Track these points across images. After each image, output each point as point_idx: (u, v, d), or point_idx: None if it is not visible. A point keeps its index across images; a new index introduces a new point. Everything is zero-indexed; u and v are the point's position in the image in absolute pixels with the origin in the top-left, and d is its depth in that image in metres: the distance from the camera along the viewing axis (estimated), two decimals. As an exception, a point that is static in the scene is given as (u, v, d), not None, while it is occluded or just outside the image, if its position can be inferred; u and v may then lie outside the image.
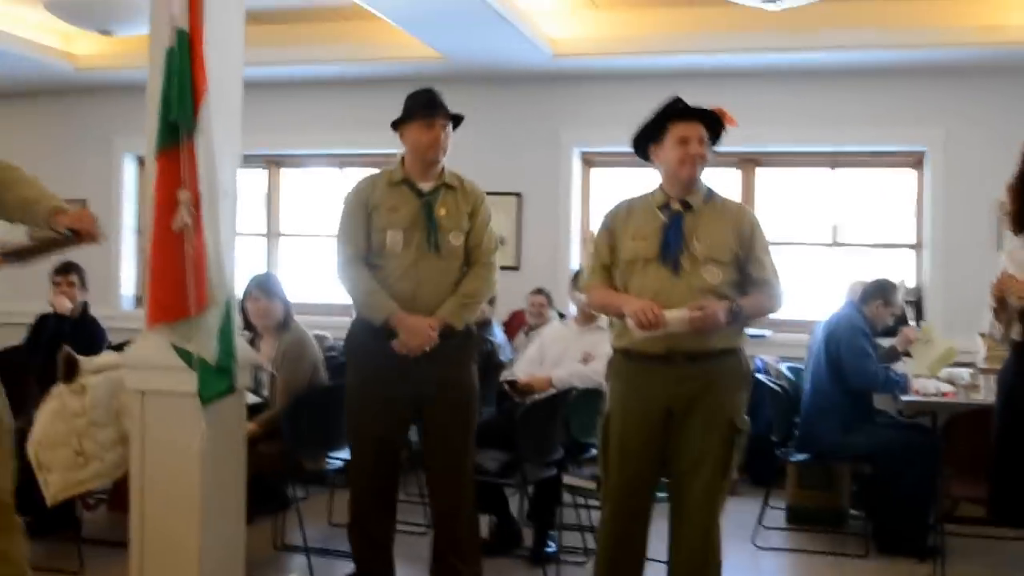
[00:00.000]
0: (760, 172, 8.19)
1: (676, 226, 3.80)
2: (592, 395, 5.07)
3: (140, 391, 4.04)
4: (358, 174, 7.97)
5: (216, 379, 3.87)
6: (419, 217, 4.15)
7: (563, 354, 5.55)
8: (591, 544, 5.02)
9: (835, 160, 8.04)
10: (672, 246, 3.77)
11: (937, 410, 5.74)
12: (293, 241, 9.12)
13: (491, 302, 6.90)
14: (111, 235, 8.57)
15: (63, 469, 4.33)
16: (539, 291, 6.97)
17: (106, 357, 4.72)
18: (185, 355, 3.82)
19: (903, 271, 7.78)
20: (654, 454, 3.82)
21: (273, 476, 5.07)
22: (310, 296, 8.22)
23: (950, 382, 5.96)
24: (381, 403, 4.16)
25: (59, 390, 4.46)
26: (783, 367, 7.12)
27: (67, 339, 5.41)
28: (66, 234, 3.05)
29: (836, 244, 8.04)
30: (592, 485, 4.62)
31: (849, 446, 5.64)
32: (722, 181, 7.90)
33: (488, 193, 7.92)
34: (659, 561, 4.03)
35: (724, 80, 7.70)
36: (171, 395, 3.94)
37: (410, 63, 7.80)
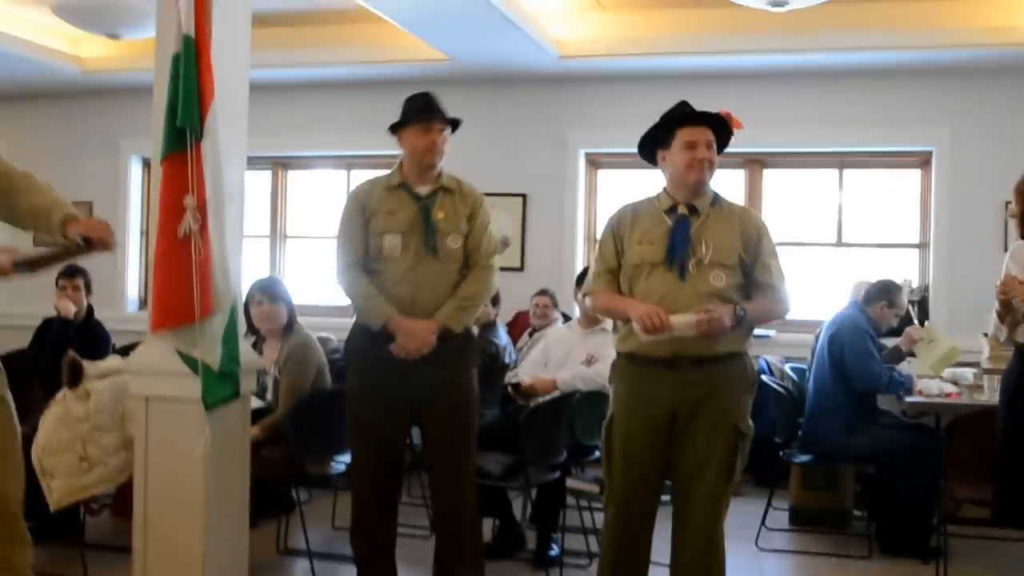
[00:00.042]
0: (766, 173, 8.17)
1: (683, 230, 3.79)
2: (596, 398, 5.07)
3: (144, 396, 4.05)
4: (364, 175, 8.00)
5: (220, 385, 3.89)
6: (417, 221, 4.15)
7: (567, 356, 5.54)
8: (594, 547, 5.03)
9: (842, 161, 8.03)
10: (678, 250, 3.77)
11: (941, 411, 5.73)
12: (299, 243, 9.16)
13: (495, 303, 6.91)
14: (117, 237, 8.60)
15: (67, 475, 4.34)
16: (543, 292, 6.96)
17: (111, 362, 4.73)
18: (189, 361, 3.83)
19: (908, 271, 7.78)
20: (658, 457, 3.82)
21: (277, 480, 5.08)
22: (315, 298, 8.25)
23: (954, 382, 5.96)
24: (381, 406, 4.17)
25: (63, 395, 4.47)
26: (787, 367, 7.13)
27: (71, 343, 5.43)
28: (79, 243, 3.05)
29: (841, 244, 8.02)
30: (595, 489, 4.61)
31: (853, 447, 5.64)
32: (728, 182, 7.92)
33: (493, 194, 8.07)
34: (662, 564, 4.03)
35: (730, 81, 7.71)
36: (175, 401, 3.95)
37: (416, 65, 7.82)
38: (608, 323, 4.83)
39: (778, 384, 6.27)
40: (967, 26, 6.93)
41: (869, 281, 6.18)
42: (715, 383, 3.76)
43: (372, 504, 4.27)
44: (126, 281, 9.16)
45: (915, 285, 7.54)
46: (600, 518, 4.27)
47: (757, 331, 3.97)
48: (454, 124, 4.27)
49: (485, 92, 8.32)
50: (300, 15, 7.66)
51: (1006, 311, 4.16)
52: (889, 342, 6.12)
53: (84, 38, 8.14)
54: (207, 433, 3.85)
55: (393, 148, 4.35)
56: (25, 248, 3.15)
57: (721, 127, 3.86)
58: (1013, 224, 4.44)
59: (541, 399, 5.28)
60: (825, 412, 5.71)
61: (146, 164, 9.07)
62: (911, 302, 6.62)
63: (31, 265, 3.00)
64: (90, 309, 6.33)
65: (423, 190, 4.21)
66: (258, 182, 8.98)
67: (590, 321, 5.57)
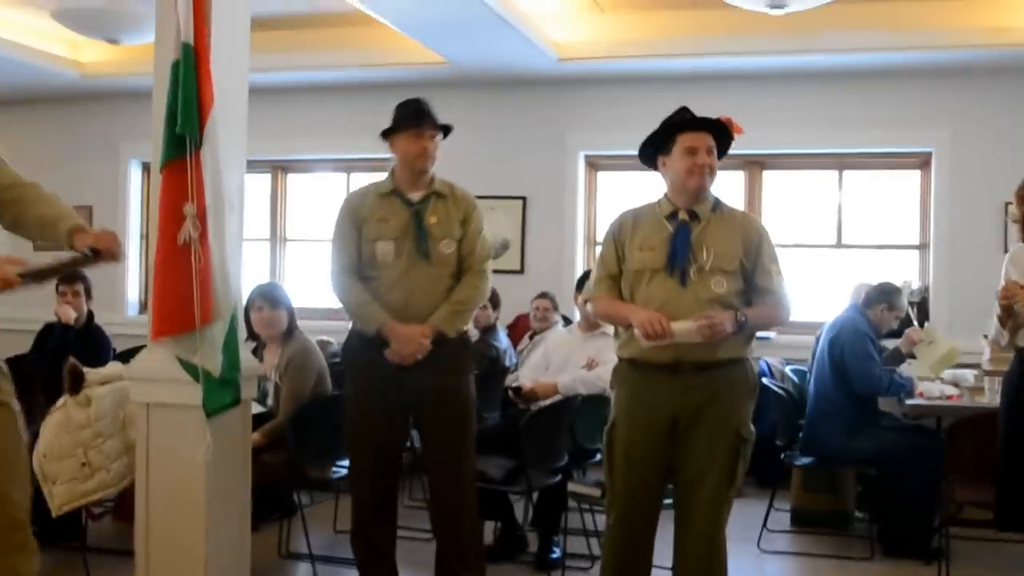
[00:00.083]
0: (765, 174, 8.18)
1: (683, 236, 3.79)
2: (597, 401, 5.07)
3: (145, 403, 4.06)
4: (364, 179, 8.01)
5: (221, 392, 3.90)
6: (409, 226, 4.16)
7: (567, 360, 5.54)
8: (596, 550, 5.03)
9: (841, 162, 8.03)
10: (679, 256, 3.76)
11: (942, 413, 5.73)
12: (299, 246, 9.16)
13: (495, 307, 6.92)
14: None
15: (68, 480, 4.34)
16: (544, 295, 6.95)
17: (111, 368, 4.74)
18: (190, 368, 3.84)
19: (908, 272, 7.78)
20: (660, 463, 3.82)
21: (279, 485, 5.08)
22: (315, 301, 8.24)
23: (954, 384, 5.96)
24: (378, 412, 4.18)
25: (64, 402, 4.47)
26: (787, 369, 7.13)
27: (72, 348, 5.43)
28: (87, 254, 3.05)
29: (841, 246, 8.03)
30: (597, 492, 4.61)
31: (853, 450, 5.64)
32: (727, 183, 7.92)
33: (493, 197, 8.12)
34: (664, 568, 4.03)
35: (729, 83, 7.71)
36: (176, 407, 3.95)
37: (415, 68, 7.83)
38: (609, 327, 4.84)
39: (779, 387, 6.27)
40: (966, 26, 6.93)
41: (869, 284, 6.18)
42: (716, 389, 3.75)
43: (371, 508, 4.28)
44: (126, 285, 9.16)
45: (915, 287, 7.53)
46: (602, 520, 4.27)
47: (757, 333, 3.97)
48: (445, 130, 4.27)
49: (484, 95, 8.33)
50: (299, 19, 7.67)
51: (1007, 316, 4.15)
52: (889, 343, 6.12)
53: (84, 43, 8.15)
54: (208, 440, 3.87)
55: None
56: (29, 256, 3.13)
57: (722, 133, 3.86)
58: (1015, 229, 4.43)
59: (542, 403, 5.27)
60: (826, 415, 5.71)
61: (146, 168, 9.07)
62: (911, 303, 6.63)
63: (38, 276, 2.99)
64: (90, 315, 6.33)
65: (415, 196, 4.22)
66: (258, 185, 8.98)
67: (591, 325, 5.57)
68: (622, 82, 8.03)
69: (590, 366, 5.42)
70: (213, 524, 4.02)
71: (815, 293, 7.73)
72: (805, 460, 5.83)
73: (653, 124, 3.91)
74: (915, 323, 6.31)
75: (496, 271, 7.70)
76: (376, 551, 4.31)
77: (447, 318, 4.15)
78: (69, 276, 6.16)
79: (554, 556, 5.19)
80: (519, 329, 7.60)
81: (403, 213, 4.18)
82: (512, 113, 8.42)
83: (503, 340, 6.92)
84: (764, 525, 5.80)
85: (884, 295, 5.92)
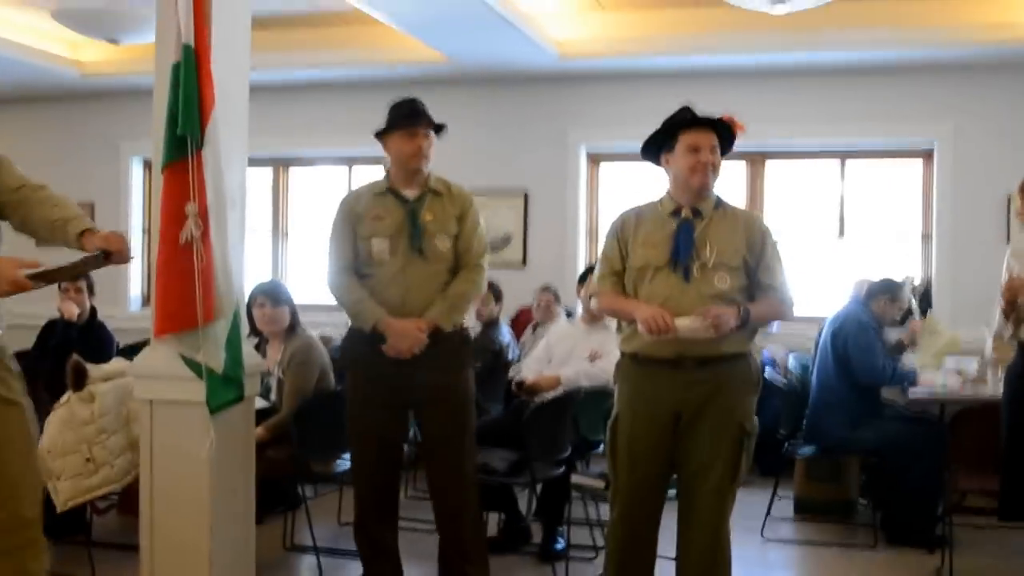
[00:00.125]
0: (768, 165, 8.18)
1: (686, 233, 3.79)
2: (600, 394, 5.08)
3: (149, 400, 4.06)
4: (366, 173, 8.03)
5: (224, 389, 3.91)
6: (404, 224, 4.17)
7: (570, 353, 5.54)
8: (600, 541, 5.04)
9: (844, 158, 8.03)
10: (682, 253, 3.76)
11: (944, 403, 5.74)
12: (301, 240, 9.16)
13: (498, 300, 6.94)
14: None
15: (73, 476, 4.35)
16: (546, 288, 6.98)
17: (115, 364, 4.74)
18: (193, 365, 3.85)
19: (911, 264, 7.79)
20: (663, 457, 3.83)
21: (282, 479, 5.10)
22: (317, 296, 8.23)
23: (957, 373, 5.96)
24: (378, 408, 4.19)
25: (68, 398, 4.48)
26: (790, 359, 7.13)
27: (75, 345, 5.45)
28: (97, 255, 3.06)
29: (844, 238, 8.03)
30: (601, 485, 4.63)
31: (857, 441, 5.66)
32: (729, 176, 7.92)
33: (495, 191, 8.11)
34: (667, 558, 4.05)
35: (730, 79, 7.73)
36: (180, 404, 3.96)
37: (416, 66, 7.84)
38: (611, 319, 4.84)
39: (782, 379, 6.28)
40: (968, 23, 6.95)
41: (870, 280, 6.19)
42: (719, 383, 3.76)
43: (372, 503, 4.30)
44: (128, 280, 9.17)
45: (916, 283, 7.54)
46: (605, 509, 4.28)
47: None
48: (439, 129, 4.28)
49: (485, 92, 8.35)
50: (300, 18, 7.68)
51: (1011, 310, 4.15)
52: (892, 334, 6.13)
53: (84, 42, 8.16)
54: (212, 436, 3.88)
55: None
56: (30, 254, 3.14)
57: (724, 131, 3.86)
58: (1018, 224, 4.44)
59: (545, 396, 5.29)
60: (829, 407, 5.72)
61: (147, 165, 9.10)
62: (914, 295, 6.63)
63: (49, 278, 3.01)
64: (93, 311, 6.34)
65: (411, 194, 4.23)
66: (260, 180, 9.00)
67: (593, 317, 5.57)
68: (623, 79, 8.03)
69: (593, 358, 5.43)
70: (217, 519, 4.02)
71: (817, 285, 7.74)
72: (808, 450, 5.85)
73: (654, 121, 3.91)
74: (917, 314, 6.32)
75: (498, 265, 7.84)
76: (378, 546, 4.32)
77: (443, 312, 4.16)
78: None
79: (558, 547, 5.19)
80: (522, 322, 7.62)
81: (398, 211, 4.19)
82: (513, 109, 8.43)
83: (506, 334, 6.93)
84: (768, 513, 5.81)
85: (886, 287, 5.94)
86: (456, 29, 6.91)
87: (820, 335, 6.16)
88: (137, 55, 7.64)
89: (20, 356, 6.11)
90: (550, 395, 5.26)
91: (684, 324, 3.62)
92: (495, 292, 6.86)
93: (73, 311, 6.18)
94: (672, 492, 3.91)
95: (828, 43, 7.20)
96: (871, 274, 6.47)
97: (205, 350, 3.84)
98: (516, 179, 8.37)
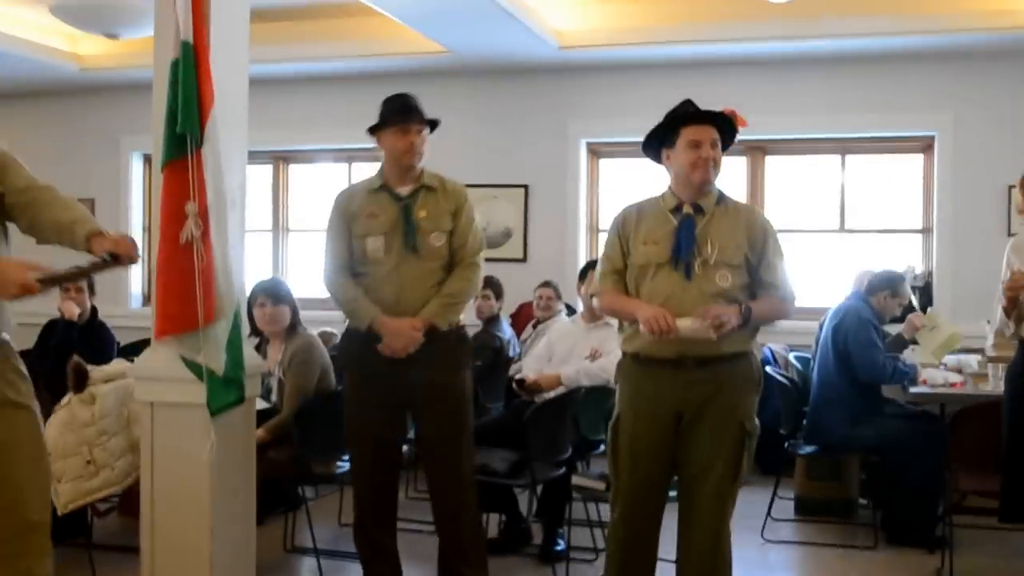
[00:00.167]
0: (768, 159, 8.16)
1: (688, 230, 3.77)
2: (601, 392, 5.07)
3: (149, 402, 4.06)
4: (366, 168, 8.00)
5: (225, 391, 3.91)
6: (398, 221, 4.16)
7: (571, 351, 5.53)
8: (600, 542, 5.04)
9: (844, 147, 8.01)
10: (684, 250, 3.75)
11: (945, 401, 5.73)
12: (301, 236, 9.14)
13: (499, 297, 6.92)
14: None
15: (73, 478, 4.36)
16: (547, 284, 6.96)
17: (115, 366, 4.75)
18: (194, 367, 3.84)
19: (911, 256, 7.78)
20: (664, 457, 3.82)
21: (283, 480, 5.09)
22: (318, 291, 8.22)
23: (958, 370, 5.95)
24: (375, 408, 4.19)
25: (69, 400, 4.48)
26: (791, 356, 7.12)
27: (75, 345, 5.44)
28: (106, 258, 3.05)
29: (844, 230, 8.01)
30: (602, 486, 4.62)
31: (857, 439, 5.65)
32: (730, 169, 7.89)
33: (495, 185, 8.13)
34: (667, 560, 4.04)
35: (731, 69, 7.71)
36: (180, 406, 3.96)
37: (416, 58, 7.81)
38: (612, 318, 4.83)
39: (782, 375, 6.27)
40: (968, 10, 6.91)
41: (872, 271, 6.17)
42: (720, 383, 3.75)
43: (371, 504, 4.29)
44: (129, 278, 9.15)
45: (918, 271, 7.54)
46: (606, 510, 4.27)
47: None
48: (432, 124, 4.26)
49: (485, 84, 8.33)
50: (299, 10, 7.66)
51: (1013, 306, 4.13)
52: (892, 329, 6.12)
53: (82, 36, 8.13)
54: (212, 438, 3.88)
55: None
56: (43, 262, 3.12)
57: (726, 125, 3.84)
58: (1020, 220, 4.41)
59: (546, 395, 5.28)
60: (830, 403, 5.71)
61: (147, 160, 9.06)
62: (914, 288, 6.61)
63: (58, 281, 3.00)
64: (94, 310, 6.33)
65: (404, 190, 4.21)
66: (260, 175, 8.98)
67: (594, 315, 5.56)
68: (623, 69, 8.01)
69: (593, 357, 5.42)
70: (218, 521, 4.03)
71: (818, 278, 7.74)
72: (809, 449, 5.84)
73: (655, 111, 3.89)
74: (917, 308, 6.30)
75: (499, 259, 7.85)
76: (377, 546, 4.32)
77: (438, 311, 4.14)
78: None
79: (559, 548, 5.19)
80: (522, 318, 7.61)
81: (392, 208, 4.18)
82: (513, 101, 8.40)
83: (506, 330, 6.92)
84: (768, 514, 5.80)
85: (887, 282, 5.92)
86: (456, 20, 6.88)
87: (820, 329, 6.14)
88: (136, 49, 7.62)
89: (21, 356, 6.13)
90: (551, 394, 5.26)
91: (685, 324, 3.61)
92: (496, 289, 6.84)
93: (74, 311, 6.18)
94: (673, 493, 3.91)
95: (828, 32, 7.15)
96: (872, 265, 6.46)
97: (206, 352, 3.83)
98: (516, 173, 8.34)
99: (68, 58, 8.44)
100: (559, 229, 8.31)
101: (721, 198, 3.88)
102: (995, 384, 5.58)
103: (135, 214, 9.23)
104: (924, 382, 5.72)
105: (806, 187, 8.16)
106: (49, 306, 6.39)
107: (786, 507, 6.15)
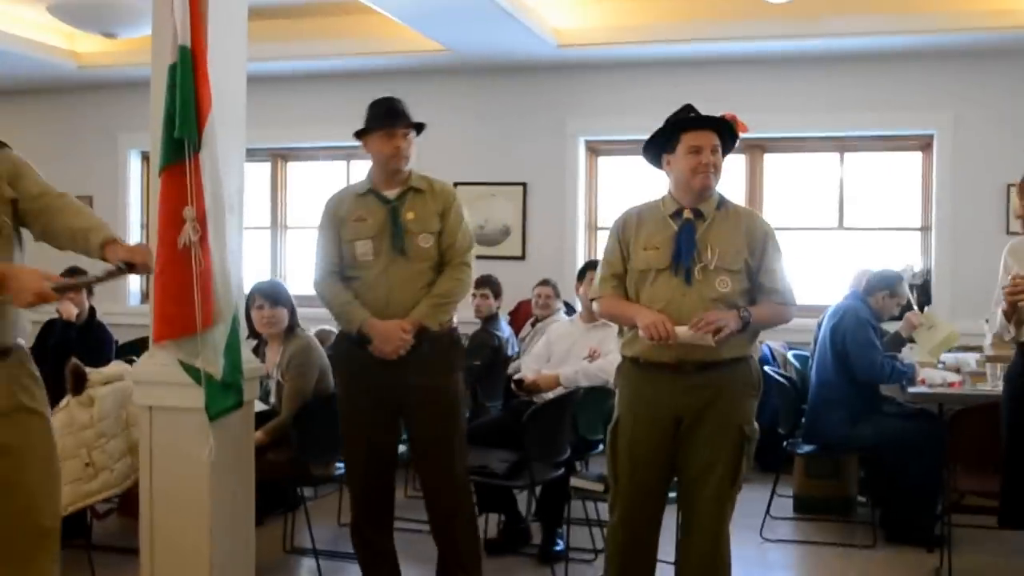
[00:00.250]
0: (767, 157, 8.16)
1: (688, 235, 3.77)
2: (599, 393, 5.08)
3: (148, 406, 4.06)
4: (365, 167, 7.98)
5: (224, 395, 3.90)
6: (386, 224, 4.16)
7: (569, 351, 5.53)
8: (600, 542, 5.04)
9: (843, 145, 8.00)
10: (684, 255, 3.74)
11: (944, 400, 5.73)
12: (300, 233, 9.13)
13: (497, 296, 6.93)
14: (117, 231, 8.67)
15: (72, 481, 4.34)
16: (545, 282, 6.96)
17: (114, 368, 4.75)
18: (192, 371, 3.84)
19: (910, 255, 7.78)
20: (663, 461, 3.82)
21: (282, 482, 5.09)
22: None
23: (956, 369, 5.95)
24: (368, 410, 4.19)
25: (67, 402, 4.48)
26: (790, 355, 7.13)
27: (74, 345, 5.44)
28: (120, 267, 3.05)
29: (843, 228, 8.01)
30: (600, 487, 4.62)
31: (856, 438, 5.65)
32: (729, 167, 7.88)
33: (493, 183, 8.11)
34: (667, 562, 4.04)
35: (729, 68, 7.70)
36: (179, 411, 3.96)
37: (415, 56, 7.81)
38: (612, 319, 4.83)
39: (781, 374, 6.27)
40: (967, 9, 6.91)
41: (870, 270, 6.17)
42: (720, 387, 3.75)
43: (366, 506, 4.30)
44: (128, 276, 9.12)
45: (917, 269, 7.54)
46: (605, 510, 4.27)
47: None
48: (419, 127, 4.26)
49: (484, 82, 8.32)
50: (298, 7, 7.65)
51: (1013, 310, 4.12)
52: (890, 327, 6.12)
53: (80, 34, 8.11)
54: (211, 442, 3.87)
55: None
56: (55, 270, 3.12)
57: (726, 130, 3.83)
58: (1020, 224, 4.40)
59: (545, 395, 5.28)
60: (828, 403, 5.72)
61: (145, 158, 9.05)
62: (912, 286, 6.61)
63: (72, 289, 3.00)
64: (92, 310, 6.33)
65: (391, 193, 4.21)
66: (258, 173, 8.97)
67: (592, 315, 5.55)
68: (622, 67, 7.99)
69: (592, 357, 5.42)
70: (217, 524, 4.03)
71: (817, 276, 7.74)
72: (807, 448, 5.84)
73: (653, 109, 3.89)
74: (915, 307, 6.31)
75: (497, 257, 7.85)
76: (373, 547, 4.33)
77: (428, 311, 4.14)
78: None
79: (558, 548, 5.19)
80: (521, 316, 7.61)
81: (380, 211, 4.18)
82: (512, 99, 8.39)
83: (505, 329, 6.92)
84: (767, 513, 5.80)
85: (885, 282, 5.92)
86: (454, 19, 6.87)
87: (819, 328, 6.14)
88: (134, 47, 7.60)
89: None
90: (549, 395, 5.26)
91: (685, 332, 3.61)
92: (494, 288, 6.85)
93: (72, 311, 6.17)
94: (672, 495, 3.91)
95: (827, 31, 7.15)
96: (871, 264, 6.46)
97: (204, 356, 3.83)
98: (515, 171, 8.33)
99: (66, 56, 8.43)
100: (558, 227, 8.30)
101: (721, 203, 3.87)
102: (993, 383, 5.58)
103: (133, 211, 9.24)
104: (923, 382, 5.72)
105: (805, 185, 8.15)
106: (47, 306, 6.40)
107: (785, 505, 6.16)
